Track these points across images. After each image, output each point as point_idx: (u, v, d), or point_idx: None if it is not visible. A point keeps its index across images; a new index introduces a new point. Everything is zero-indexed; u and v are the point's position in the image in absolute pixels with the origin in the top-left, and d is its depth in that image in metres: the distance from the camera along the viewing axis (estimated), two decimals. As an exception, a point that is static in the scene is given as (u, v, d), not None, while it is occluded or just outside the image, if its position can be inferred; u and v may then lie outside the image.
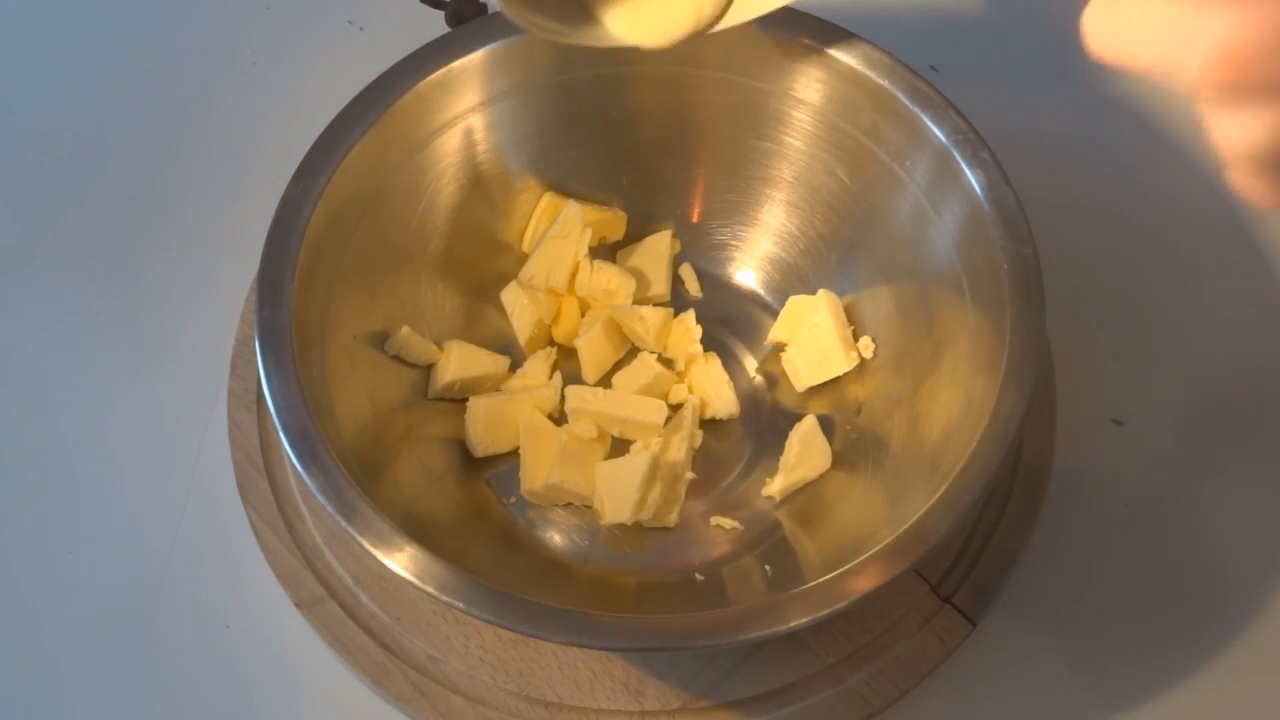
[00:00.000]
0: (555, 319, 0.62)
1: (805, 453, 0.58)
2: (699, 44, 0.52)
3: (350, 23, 0.75)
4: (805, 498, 0.58)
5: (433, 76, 0.56)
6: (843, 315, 0.60)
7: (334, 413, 0.51)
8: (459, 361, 0.59)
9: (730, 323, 0.63)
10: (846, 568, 0.47)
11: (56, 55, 0.74)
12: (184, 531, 0.59)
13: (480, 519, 0.57)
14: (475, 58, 0.56)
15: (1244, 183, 0.34)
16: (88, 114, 0.72)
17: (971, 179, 0.53)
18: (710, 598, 0.55)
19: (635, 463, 0.56)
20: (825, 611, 0.46)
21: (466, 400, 0.59)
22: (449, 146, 0.58)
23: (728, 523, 0.58)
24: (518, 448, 0.59)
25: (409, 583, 0.46)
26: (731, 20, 0.52)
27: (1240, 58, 0.31)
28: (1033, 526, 0.58)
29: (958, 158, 0.54)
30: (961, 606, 0.56)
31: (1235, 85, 0.32)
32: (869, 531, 0.50)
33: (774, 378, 0.62)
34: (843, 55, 0.56)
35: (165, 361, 0.64)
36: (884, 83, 0.55)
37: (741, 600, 0.54)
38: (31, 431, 0.62)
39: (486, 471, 0.59)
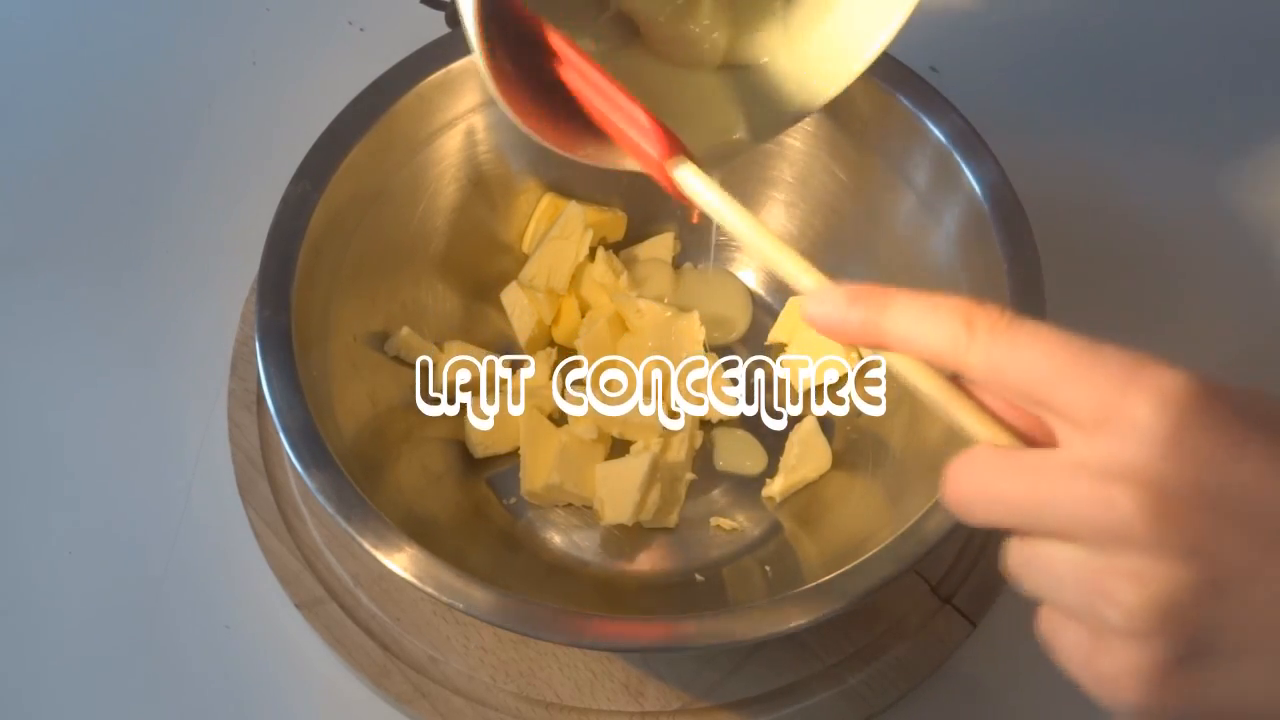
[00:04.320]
0: (555, 319, 0.62)
1: (805, 453, 0.58)
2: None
3: (350, 23, 0.75)
4: (805, 498, 0.58)
5: (433, 77, 0.56)
6: (843, 315, 0.60)
7: (334, 413, 0.51)
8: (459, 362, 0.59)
9: (730, 323, 0.63)
10: (847, 568, 0.47)
11: (57, 55, 0.74)
12: (184, 531, 0.59)
13: (480, 519, 0.57)
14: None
15: None
16: (88, 114, 0.72)
17: (971, 179, 0.54)
18: (710, 598, 0.55)
19: (635, 464, 0.56)
20: (825, 612, 0.46)
21: (467, 401, 0.59)
22: (449, 147, 0.58)
23: (728, 523, 0.58)
24: (518, 448, 0.59)
25: (409, 583, 0.46)
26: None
27: None
28: (1033, 527, 0.58)
29: (958, 158, 0.54)
30: (961, 607, 0.56)
31: None
32: (869, 532, 0.50)
33: (774, 378, 0.62)
34: (843, 56, 0.56)
35: (165, 362, 0.64)
36: (884, 83, 0.55)
37: (741, 601, 0.54)
38: (32, 432, 0.62)
39: (486, 472, 0.59)
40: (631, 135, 0.43)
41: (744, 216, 0.40)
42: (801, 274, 0.37)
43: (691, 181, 0.41)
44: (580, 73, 0.44)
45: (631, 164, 0.49)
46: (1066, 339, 0.31)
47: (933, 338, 0.32)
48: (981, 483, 0.32)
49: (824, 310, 0.34)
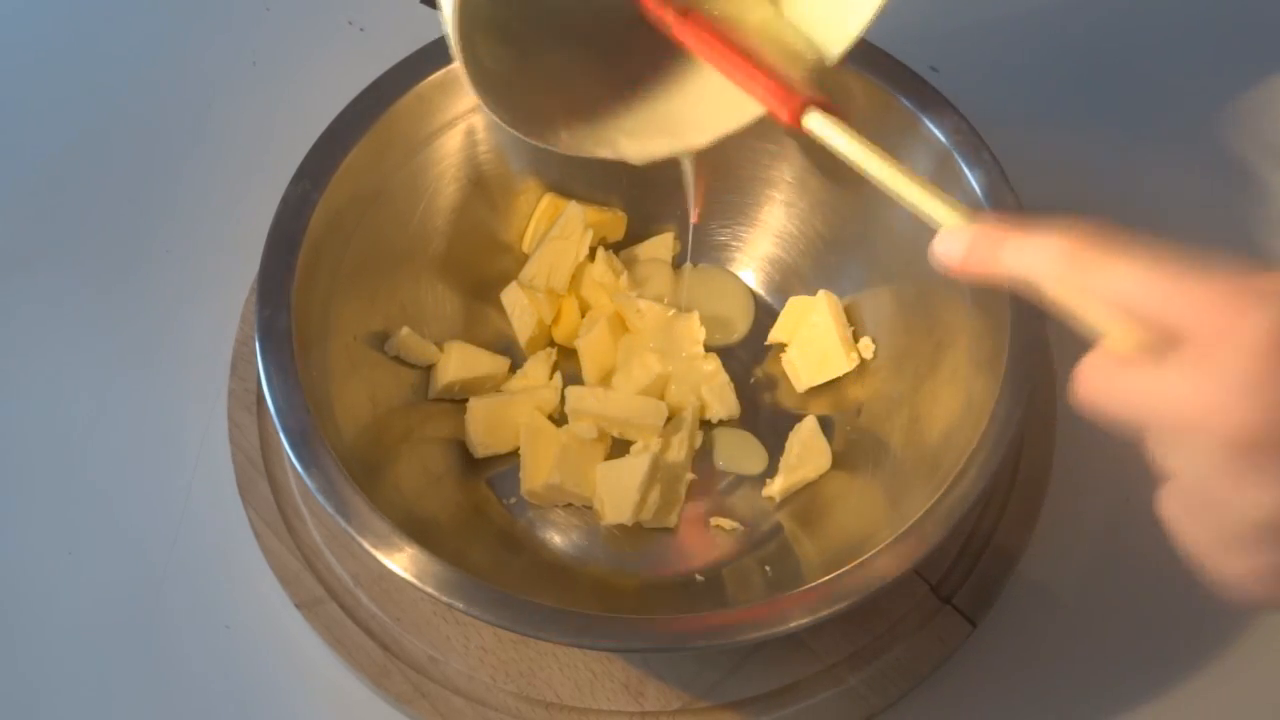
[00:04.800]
0: (556, 320, 0.62)
1: (805, 453, 0.58)
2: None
3: (350, 23, 0.75)
4: (805, 498, 0.58)
5: (433, 77, 0.56)
6: (843, 316, 0.60)
7: (334, 413, 0.51)
8: (459, 362, 0.59)
9: (730, 323, 0.63)
10: (846, 568, 0.47)
11: (57, 56, 0.74)
12: (184, 531, 0.59)
13: (480, 519, 0.57)
14: (475, 58, 0.56)
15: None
16: (88, 116, 0.72)
17: (971, 179, 0.53)
18: (710, 598, 0.55)
19: (635, 464, 0.56)
20: (825, 612, 0.46)
21: (467, 401, 0.59)
22: (449, 147, 0.58)
23: (728, 523, 0.58)
24: (518, 448, 0.59)
25: (409, 583, 0.46)
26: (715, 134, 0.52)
27: None
28: (1033, 526, 0.58)
29: (958, 158, 0.54)
30: (961, 607, 0.56)
31: None
32: (869, 532, 0.50)
33: (774, 378, 0.62)
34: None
35: (165, 362, 0.64)
36: (884, 83, 0.55)
37: (741, 601, 0.54)
38: (32, 432, 0.62)
39: (486, 472, 0.59)
40: (758, 92, 0.46)
41: (877, 158, 0.42)
42: (944, 213, 0.40)
43: (820, 128, 0.44)
44: (701, 39, 0.47)
45: (606, 152, 0.50)
46: (1148, 270, 0.33)
47: (1041, 271, 0.35)
48: (1100, 386, 0.34)
49: (947, 249, 0.39)
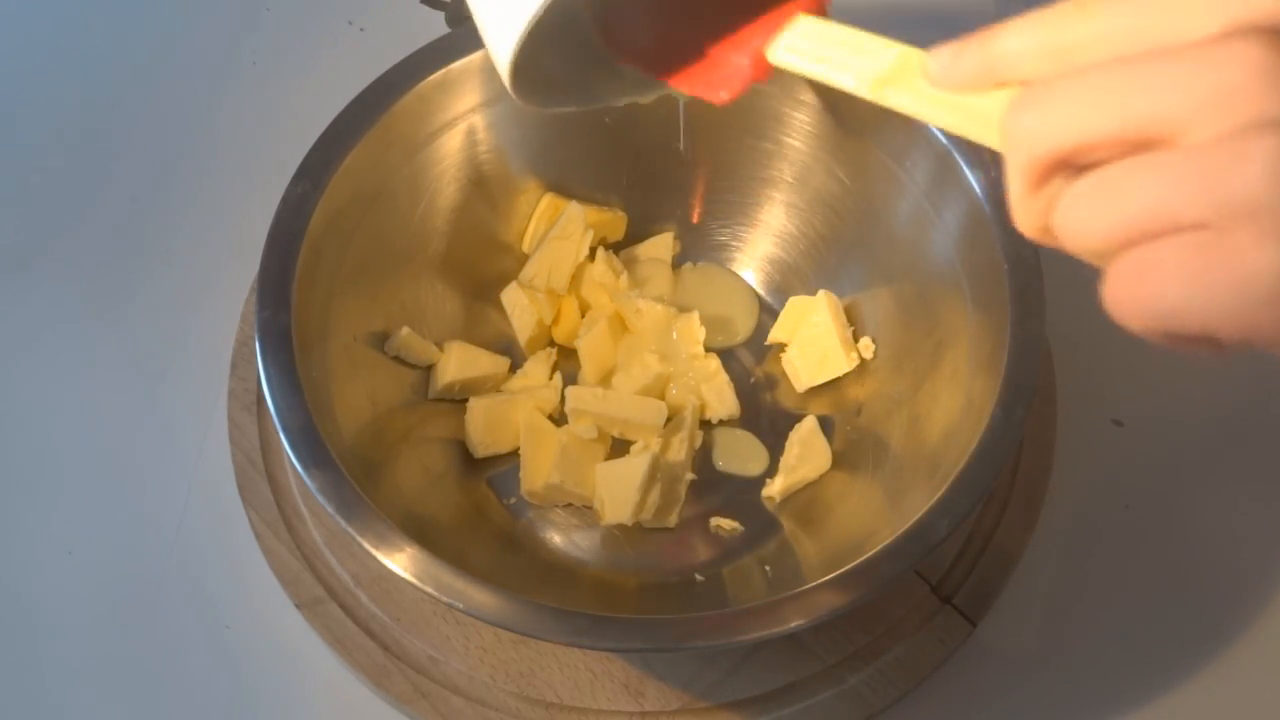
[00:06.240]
0: (555, 320, 0.62)
1: (805, 453, 0.58)
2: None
3: (350, 23, 0.75)
4: (805, 498, 0.58)
5: (433, 77, 0.56)
6: (843, 316, 0.60)
7: (334, 413, 0.51)
8: (459, 362, 0.59)
9: (730, 323, 0.63)
10: (846, 569, 0.47)
11: (57, 57, 0.74)
12: (184, 531, 0.59)
13: (480, 519, 0.57)
14: (475, 58, 0.56)
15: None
16: (88, 116, 0.72)
17: (971, 179, 0.53)
18: (710, 598, 0.55)
19: (635, 463, 0.56)
20: (825, 612, 0.46)
21: (467, 401, 0.59)
22: (449, 147, 0.58)
23: (728, 523, 0.58)
24: (518, 448, 0.59)
25: (409, 583, 0.46)
26: None
27: None
28: (1033, 526, 0.58)
29: (958, 158, 0.54)
30: (961, 607, 0.56)
31: None
32: (869, 532, 0.50)
33: (774, 378, 0.62)
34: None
35: (166, 362, 0.64)
36: (884, 83, 0.55)
37: (741, 601, 0.54)
38: (32, 432, 0.62)
39: (486, 472, 0.59)
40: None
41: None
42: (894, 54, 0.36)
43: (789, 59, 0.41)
44: None
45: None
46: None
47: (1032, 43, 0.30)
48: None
49: (939, 64, 0.34)
